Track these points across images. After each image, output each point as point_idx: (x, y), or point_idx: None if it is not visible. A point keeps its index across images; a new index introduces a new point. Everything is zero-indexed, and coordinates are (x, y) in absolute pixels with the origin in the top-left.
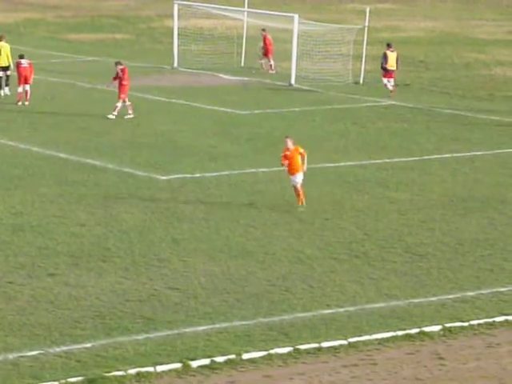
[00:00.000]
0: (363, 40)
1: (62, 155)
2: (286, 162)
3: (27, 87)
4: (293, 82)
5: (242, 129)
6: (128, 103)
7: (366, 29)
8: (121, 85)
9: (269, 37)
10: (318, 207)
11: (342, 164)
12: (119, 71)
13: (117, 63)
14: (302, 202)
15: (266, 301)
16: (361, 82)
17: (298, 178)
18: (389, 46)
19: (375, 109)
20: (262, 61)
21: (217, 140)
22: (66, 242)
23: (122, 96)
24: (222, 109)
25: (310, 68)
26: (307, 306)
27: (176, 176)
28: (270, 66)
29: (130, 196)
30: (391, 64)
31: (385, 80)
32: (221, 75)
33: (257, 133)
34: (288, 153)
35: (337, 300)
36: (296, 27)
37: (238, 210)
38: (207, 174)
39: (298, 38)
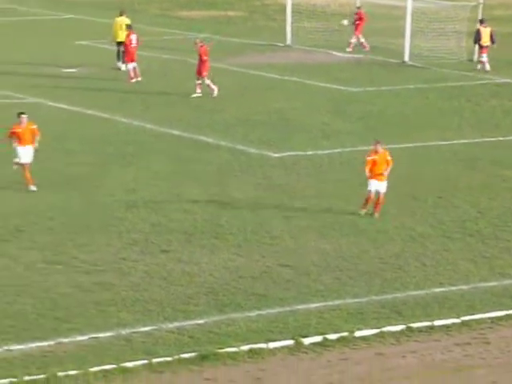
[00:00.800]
0: (477, 17)
1: (175, 132)
2: (368, 167)
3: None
4: (406, 59)
5: (355, 106)
6: (198, 82)
7: (481, 6)
8: (201, 61)
9: (363, 14)
10: (431, 185)
11: (455, 142)
12: (199, 48)
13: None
14: (377, 212)
15: (378, 279)
16: (474, 59)
17: (382, 187)
18: (481, 22)
19: (489, 86)
20: (352, 40)
21: (329, 117)
22: (179, 219)
23: (205, 73)
24: (335, 86)
25: (423, 45)
26: (420, 284)
27: (288, 153)
28: (361, 43)
29: (242, 173)
30: (485, 40)
31: (482, 56)
32: (334, 52)
33: (369, 110)
34: (376, 157)
35: (450, 278)
36: (410, 4)
37: (350, 188)
38: (319, 152)
39: (411, 15)
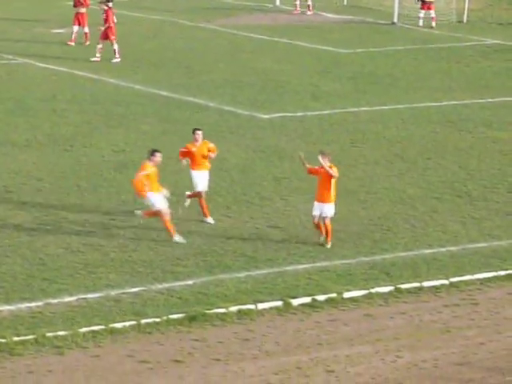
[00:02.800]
0: None
1: (164, 93)
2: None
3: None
4: (396, 20)
5: (345, 67)
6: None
7: None
8: (108, 26)
9: None
10: (420, 146)
11: (444, 103)
12: (104, 12)
13: (101, 2)
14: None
15: (367, 240)
16: (464, 20)
17: (328, 209)
18: None
19: (478, 48)
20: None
21: (319, 79)
22: (169, 180)
23: (113, 38)
24: (324, 47)
25: (413, 6)
26: (409, 246)
27: (278, 115)
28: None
29: (231, 134)
30: None
31: (421, 12)
32: (323, 13)
33: (359, 72)
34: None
35: (439, 240)
36: None
37: (340, 149)
38: (309, 113)
39: None
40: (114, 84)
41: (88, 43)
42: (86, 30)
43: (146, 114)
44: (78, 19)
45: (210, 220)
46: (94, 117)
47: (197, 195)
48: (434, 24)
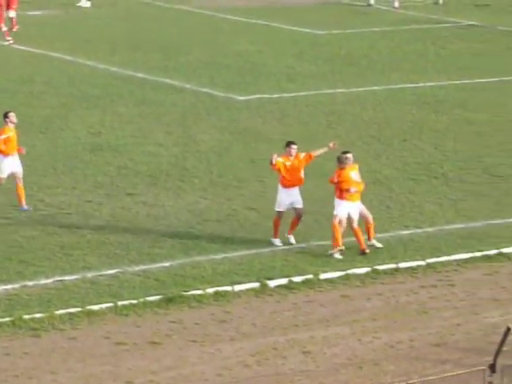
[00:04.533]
0: None
1: (140, 75)
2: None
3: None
4: (372, 2)
5: (321, 49)
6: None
7: None
8: None
9: None
10: (396, 128)
11: (420, 85)
12: None
13: None
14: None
15: None
16: (440, 2)
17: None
18: None
19: (455, 29)
20: None
21: (295, 60)
22: (145, 162)
23: (14, 7)
24: (301, 29)
25: None
26: (385, 227)
27: (254, 96)
28: None
29: (208, 116)
30: None
31: None
32: None
33: (335, 53)
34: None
35: (415, 221)
36: None
37: (316, 131)
38: (285, 95)
39: None
40: (91, 66)
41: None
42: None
43: (122, 95)
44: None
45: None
46: (70, 99)
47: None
48: (396, 4)
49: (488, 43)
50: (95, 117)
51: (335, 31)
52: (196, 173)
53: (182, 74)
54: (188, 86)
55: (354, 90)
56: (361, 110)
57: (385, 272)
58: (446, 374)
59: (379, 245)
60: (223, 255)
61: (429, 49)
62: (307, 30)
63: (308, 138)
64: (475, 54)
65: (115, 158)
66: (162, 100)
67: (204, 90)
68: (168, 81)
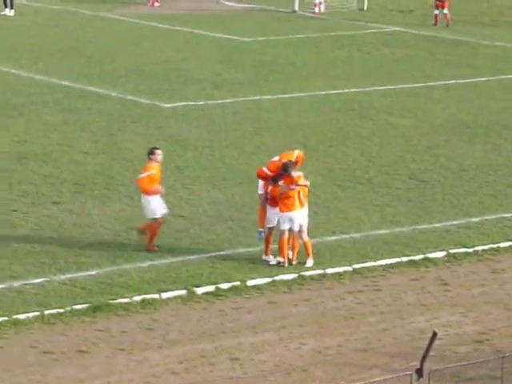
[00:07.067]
0: None
1: (65, 83)
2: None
3: None
4: (296, 8)
5: (247, 56)
6: None
7: None
8: None
9: None
10: (321, 134)
11: (345, 91)
12: None
13: None
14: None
15: None
16: (365, 8)
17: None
18: None
19: (379, 35)
20: None
21: (221, 67)
22: (70, 170)
23: None
24: (226, 36)
25: None
26: (312, 233)
27: (180, 103)
28: None
29: (133, 124)
30: None
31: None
32: (224, 2)
33: (261, 60)
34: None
35: (341, 226)
36: None
37: (243, 138)
38: (211, 102)
39: None
40: (15, 74)
41: None
42: None
43: (47, 104)
44: None
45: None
46: None
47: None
48: (316, 10)
49: (412, 49)
50: (20, 125)
51: (260, 38)
52: (122, 180)
53: (107, 82)
54: (113, 93)
55: (280, 96)
56: (286, 117)
57: (312, 278)
58: (373, 380)
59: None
60: (150, 263)
61: (354, 55)
62: (233, 37)
63: (235, 144)
64: (400, 59)
65: (41, 167)
66: (88, 108)
67: (129, 97)
68: (93, 88)
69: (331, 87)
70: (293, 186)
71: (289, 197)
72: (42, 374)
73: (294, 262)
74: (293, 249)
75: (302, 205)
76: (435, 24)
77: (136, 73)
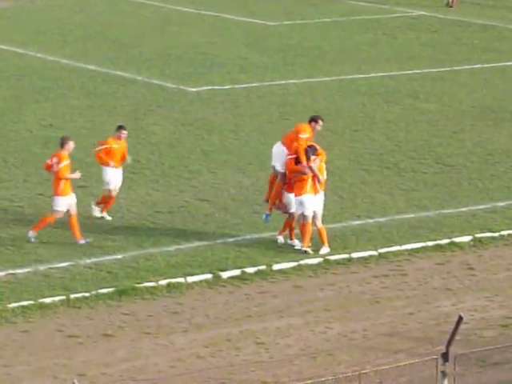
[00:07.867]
0: None
1: (91, 67)
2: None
3: None
4: None
5: (272, 40)
6: None
7: None
8: None
9: None
10: (348, 118)
11: (372, 75)
12: None
13: None
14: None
15: None
16: None
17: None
18: None
19: (405, 19)
20: None
21: (247, 51)
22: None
23: None
24: (252, 20)
25: None
26: (337, 217)
27: (206, 88)
28: None
29: (159, 108)
30: None
31: None
32: None
33: (287, 44)
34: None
35: (367, 211)
36: None
37: (268, 122)
38: (237, 86)
39: None
40: (41, 58)
41: None
42: None
43: (73, 88)
44: None
45: None
46: (22, 92)
47: None
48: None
49: (438, 33)
50: (47, 109)
51: (286, 22)
52: (148, 164)
53: (133, 66)
54: (139, 77)
55: (306, 80)
56: (312, 101)
57: (337, 262)
58: (398, 364)
59: None
60: (176, 247)
61: (380, 39)
62: (258, 21)
63: (260, 129)
64: (425, 43)
65: None
66: (114, 92)
67: (155, 81)
68: (119, 73)
69: (357, 71)
70: (308, 169)
71: (302, 180)
72: (68, 357)
73: (290, 242)
74: (290, 230)
75: (315, 191)
76: (451, 6)
77: (162, 57)
